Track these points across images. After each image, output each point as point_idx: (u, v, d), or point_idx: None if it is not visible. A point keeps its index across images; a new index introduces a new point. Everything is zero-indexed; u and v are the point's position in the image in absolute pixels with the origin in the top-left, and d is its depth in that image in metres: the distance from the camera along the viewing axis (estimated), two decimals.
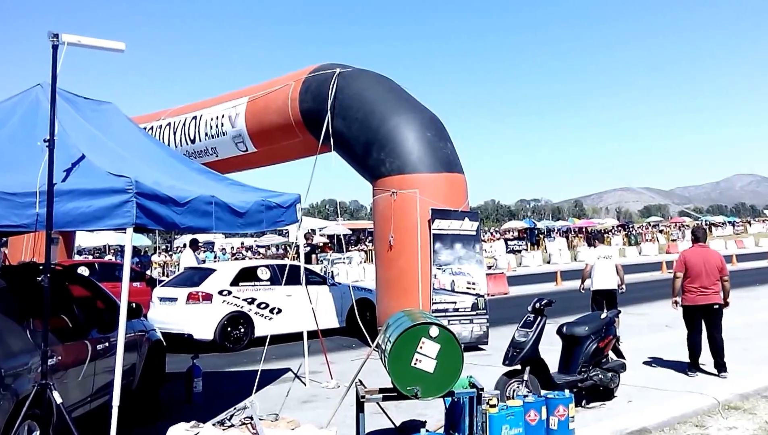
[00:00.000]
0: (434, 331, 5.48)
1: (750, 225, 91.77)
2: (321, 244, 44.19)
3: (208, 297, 12.59)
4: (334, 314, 13.99)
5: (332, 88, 12.79)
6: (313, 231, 23.33)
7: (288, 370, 10.46)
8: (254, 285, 13.18)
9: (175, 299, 12.81)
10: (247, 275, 13.30)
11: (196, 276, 13.43)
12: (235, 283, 12.98)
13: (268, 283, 13.29)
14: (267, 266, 13.87)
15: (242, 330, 12.80)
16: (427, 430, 5.96)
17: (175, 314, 12.57)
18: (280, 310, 13.13)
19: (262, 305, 13.06)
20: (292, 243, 11.45)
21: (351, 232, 59.48)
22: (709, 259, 9.31)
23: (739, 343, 11.01)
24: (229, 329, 12.65)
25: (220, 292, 12.69)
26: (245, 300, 12.91)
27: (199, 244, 24.32)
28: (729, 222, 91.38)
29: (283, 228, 17.60)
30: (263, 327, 12.68)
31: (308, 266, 15.57)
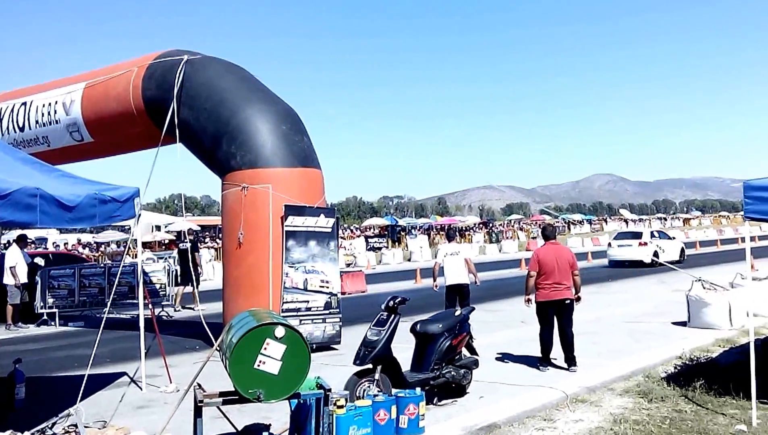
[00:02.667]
0: (280, 331, 5.44)
1: (606, 223, 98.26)
2: (166, 241, 42.89)
3: None
4: None
5: (179, 75, 12.42)
6: (191, 230, 22.71)
7: (124, 374, 10.13)
8: None
9: None
10: None
11: None
12: None
13: None
14: None
15: None
16: (270, 434, 5.94)
17: None
18: None
19: None
20: (135, 239, 11.00)
21: (200, 229, 58.03)
22: (561, 255, 9.88)
23: (589, 337, 11.76)
24: None
25: None
26: None
27: (28, 241, 22.96)
28: (586, 220, 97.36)
29: (123, 223, 16.98)
30: None
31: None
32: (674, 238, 32.72)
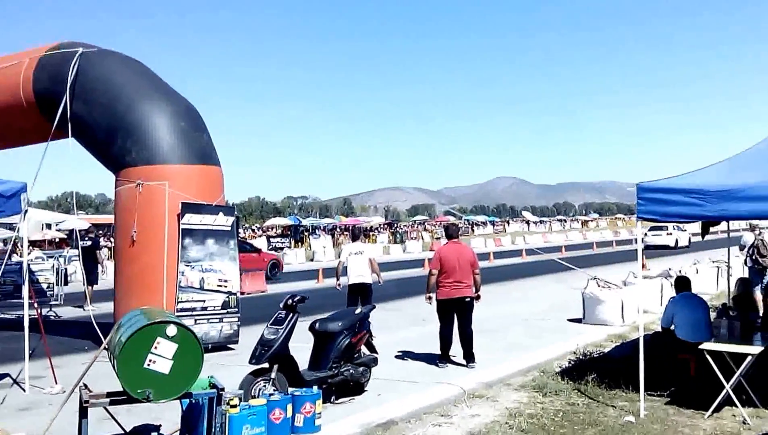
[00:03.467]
0: (171, 330, 5.32)
1: (508, 224, 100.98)
2: (57, 240, 41.25)
3: None
4: None
5: (73, 68, 11.96)
6: (91, 228, 21.92)
7: (6, 375, 9.72)
8: None
9: None
10: None
11: None
12: None
13: None
14: None
15: None
16: (160, 434, 5.82)
17: None
18: None
19: None
20: (21, 237, 10.55)
21: (94, 228, 56.14)
22: (463, 254, 10.07)
23: (488, 334, 12.04)
24: None
25: None
26: None
27: None
28: (490, 221, 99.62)
29: (9, 219, 16.27)
30: None
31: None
32: (685, 229, 42.44)
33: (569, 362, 9.87)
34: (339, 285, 12.40)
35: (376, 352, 8.99)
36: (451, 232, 10.51)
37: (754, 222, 14.16)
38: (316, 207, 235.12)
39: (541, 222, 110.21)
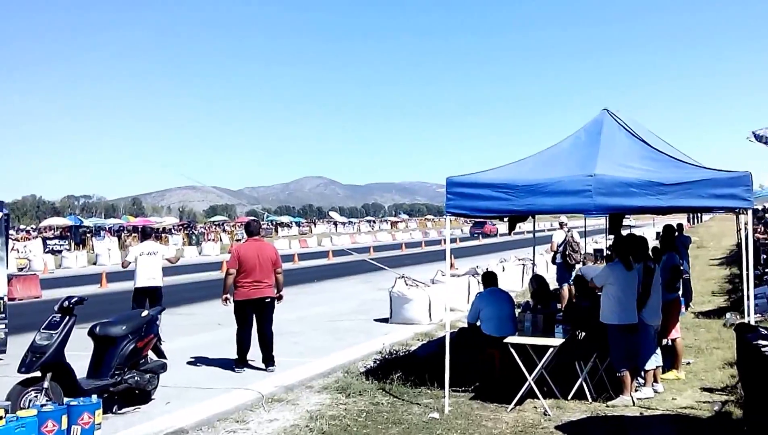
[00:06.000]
0: None
1: (315, 225, 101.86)
2: None
3: None
4: None
5: None
6: None
7: None
8: None
9: None
10: None
11: None
12: None
13: None
14: None
15: None
16: None
17: None
18: None
19: None
20: None
21: None
22: (264, 252, 9.97)
23: (290, 336, 12.09)
24: None
25: None
26: None
27: None
28: (295, 222, 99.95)
29: None
30: None
31: None
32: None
33: (374, 362, 10.07)
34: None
35: (166, 358, 8.73)
36: (252, 229, 10.37)
37: (564, 220, 15.18)
38: (102, 207, 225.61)
39: (349, 223, 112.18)
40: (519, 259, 21.44)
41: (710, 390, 8.30)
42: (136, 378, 7.91)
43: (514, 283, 18.78)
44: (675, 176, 7.28)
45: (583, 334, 8.76)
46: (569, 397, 7.91)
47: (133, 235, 61.06)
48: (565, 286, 13.87)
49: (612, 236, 10.26)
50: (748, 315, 7.37)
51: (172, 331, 11.38)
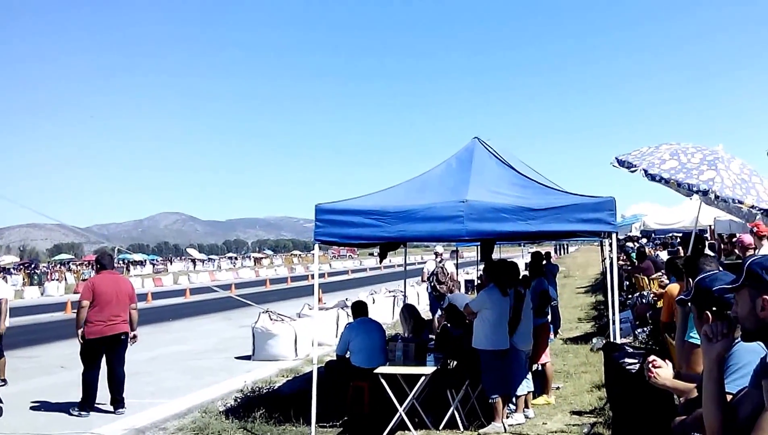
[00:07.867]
0: None
1: (171, 263, 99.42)
2: None
3: None
4: None
5: None
6: None
7: None
8: None
9: None
10: None
11: None
12: None
13: None
14: None
15: None
16: None
17: None
18: None
19: None
20: None
21: None
22: (120, 286, 9.67)
23: (143, 376, 11.71)
24: None
25: None
26: None
27: None
28: (150, 260, 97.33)
29: None
30: None
31: None
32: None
33: (235, 400, 9.86)
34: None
35: (2, 403, 8.25)
36: (106, 262, 10.00)
37: (439, 250, 15.42)
38: None
39: (209, 260, 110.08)
40: (390, 291, 21.61)
41: (579, 413, 8.58)
42: None
43: (385, 314, 18.87)
44: (544, 202, 7.55)
45: (455, 362, 8.87)
46: (441, 427, 7.98)
47: None
48: (436, 316, 14.07)
49: (484, 263, 10.49)
50: (614, 339, 7.70)
51: (12, 376, 10.84)
